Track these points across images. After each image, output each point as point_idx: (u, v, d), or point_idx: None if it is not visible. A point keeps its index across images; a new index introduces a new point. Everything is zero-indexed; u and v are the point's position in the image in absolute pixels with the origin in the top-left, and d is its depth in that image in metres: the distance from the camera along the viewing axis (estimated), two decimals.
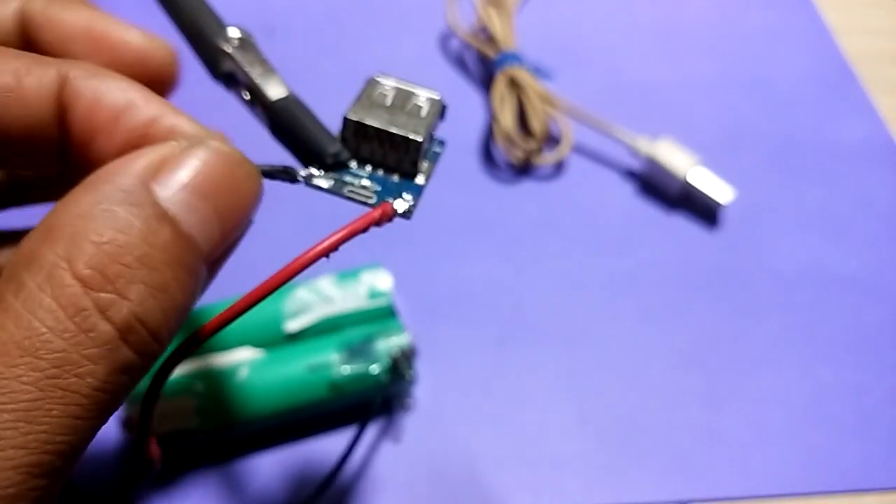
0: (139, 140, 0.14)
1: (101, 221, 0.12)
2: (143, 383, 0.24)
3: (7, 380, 0.11)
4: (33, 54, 0.14)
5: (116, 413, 0.24)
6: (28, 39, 0.15)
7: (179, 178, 0.13)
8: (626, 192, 0.35)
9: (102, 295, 0.12)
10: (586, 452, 0.27)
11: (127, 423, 0.24)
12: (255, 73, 0.16)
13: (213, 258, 0.14)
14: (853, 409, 0.28)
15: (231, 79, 0.17)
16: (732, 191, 0.33)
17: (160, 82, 0.16)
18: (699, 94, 0.39)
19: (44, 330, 0.11)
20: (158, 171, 0.13)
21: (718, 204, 0.33)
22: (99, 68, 0.14)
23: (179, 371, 0.24)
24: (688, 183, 0.33)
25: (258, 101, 0.16)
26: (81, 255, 0.12)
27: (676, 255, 0.33)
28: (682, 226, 0.34)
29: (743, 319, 0.31)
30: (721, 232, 0.34)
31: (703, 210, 0.34)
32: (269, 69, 0.17)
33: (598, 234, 0.33)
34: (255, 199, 0.14)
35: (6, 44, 0.15)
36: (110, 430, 0.25)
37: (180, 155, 0.13)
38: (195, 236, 0.13)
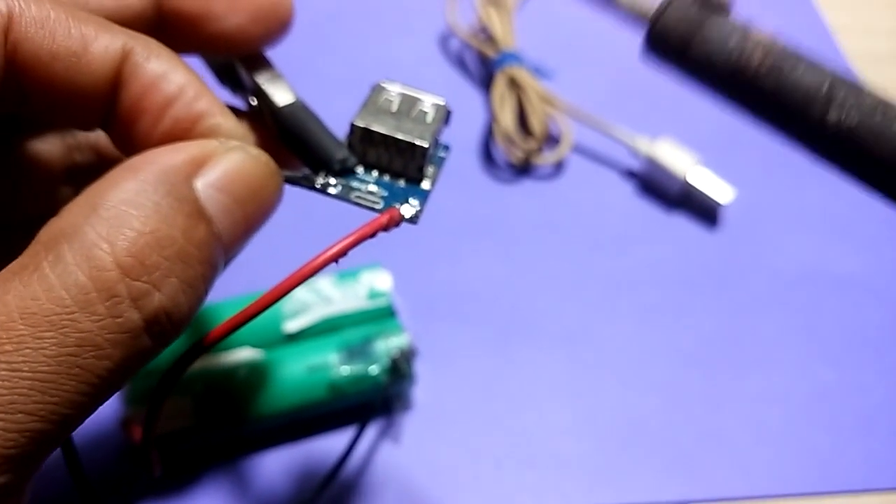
0: (183, 132, 0.14)
1: (145, 210, 0.12)
2: (145, 383, 0.24)
3: (31, 349, 0.11)
4: (102, 20, 0.14)
5: (116, 414, 0.24)
6: (165, 9, 0.16)
7: (217, 179, 0.13)
8: (626, 192, 0.35)
9: (137, 284, 0.12)
10: (586, 452, 0.27)
11: (126, 424, 0.24)
12: (263, 79, 0.16)
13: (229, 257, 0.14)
14: (853, 409, 0.28)
15: (238, 84, 0.18)
16: (733, 190, 0.33)
17: (283, 28, 0.16)
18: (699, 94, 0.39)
19: (74, 308, 0.11)
20: (199, 168, 0.13)
21: (718, 204, 0.33)
22: (162, 49, 0.14)
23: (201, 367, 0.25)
24: (688, 183, 0.33)
25: (265, 107, 0.17)
26: (123, 241, 0.12)
27: (676, 254, 0.33)
28: (682, 225, 0.34)
29: (743, 319, 0.31)
30: (721, 232, 0.34)
31: (702, 210, 0.34)
32: (276, 74, 0.17)
33: (598, 234, 0.33)
34: (276, 205, 0.15)
35: (142, 16, 0.15)
36: (111, 431, 0.25)
37: (220, 156, 0.14)
38: (224, 236, 0.13)
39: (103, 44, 0.14)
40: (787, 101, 0.13)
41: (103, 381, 0.12)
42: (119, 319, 0.12)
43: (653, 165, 0.34)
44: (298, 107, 0.16)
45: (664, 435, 0.27)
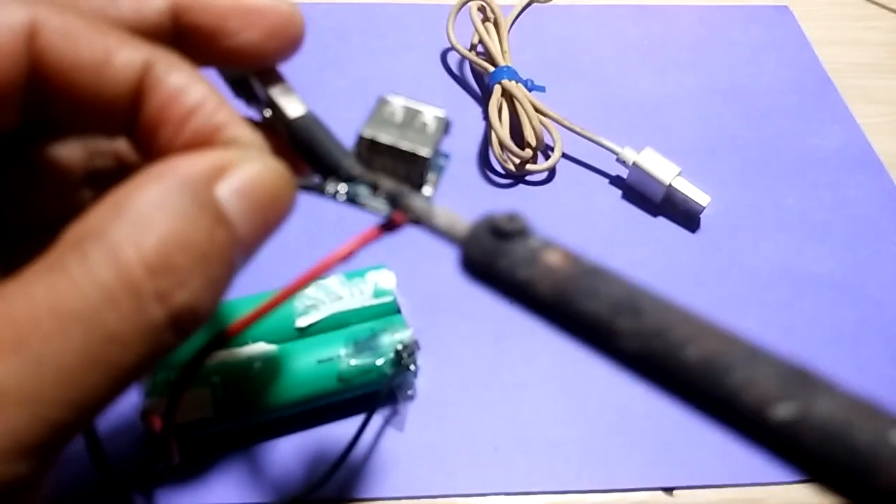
0: (204, 142, 0.14)
1: (169, 214, 0.12)
2: (164, 375, 0.25)
3: (57, 344, 0.11)
4: (124, 33, 0.14)
5: (136, 405, 0.25)
6: (181, 23, 0.16)
7: (238, 186, 0.14)
8: (613, 197, 0.36)
9: (162, 282, 0.12)
10: (577, 439, 0.28)
11: (145, 414, 0.24)
12: (276, 92, 0.17)
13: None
14: None
15: (252, 96, 0.18)
16: (709, 198, 0.34)
17: (295, 44, 0.16)
18: (684, 106, 0.40)
19: (100, 306, 0.12)
20: (220, 175, 0.13)
21: (699, 208, 0.34)
22: (182, 62, 0.14)
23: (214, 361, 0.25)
24: (670, 189, 0.34)
25: (278, 119, 0.17)
26: (148, 242, 0.12)
27: (659, 255, 0.34)
28: (664, 228, 0.35)
29: (722, 315, 0.30)
30: (701, 234, 0.35)
31: (684, 214, 0.35)
32: (288, 88, 0.17)
33: (587, 236, 0.34)
34: (291, 211, 0.15)
35: (158, 29, 0.15)
36: (130, 421, 0.26)
37: (240, 164, 0.14)
38: (242, 239, 0.14)
39: (125, 56, 0.14)
40: (577, 328, 0.13)
41: (125, 374, 0.12)
42: (143, 316, 0.12)
43: (638, 173, 0.35)
44: (309, 118, 0.17)
45: (650, 424, 0.28)
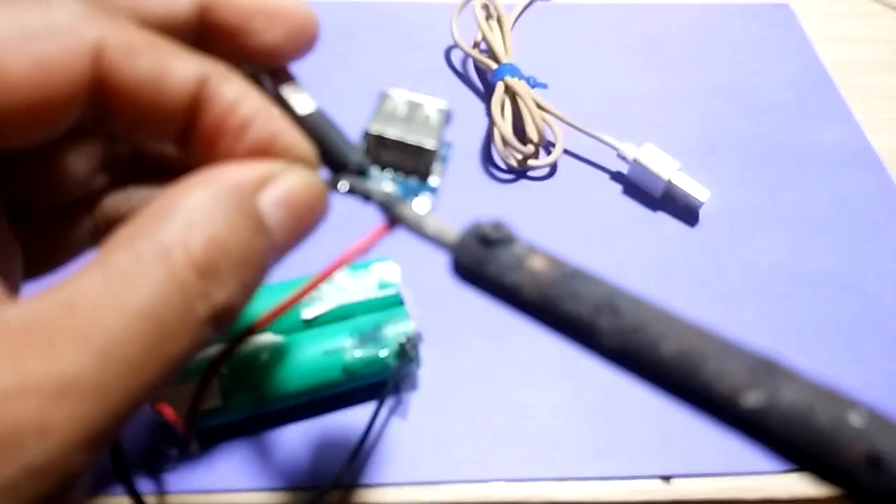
0: (263, 150, 0.15)
1: (216, 219, 0.13)
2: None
3: (125, 338, 0.12)
4: (177, 47, 0.14)
5: None
6: (206, 20, 0.16)
7: (279, 197, 0.14)
8: (614, 193, 0.36)
9: (208, 282, 0.13)
10: (576, 429, 0.28)
11: (155, 403, 0.25)
12: (286, 90, 0.17)
13: None
14: None
15: (262, 94, 0.18)
16: (708, 192, 0.34)
17: (311, 44, 0.17)
18: (684, 103, 0.40)
19: (155, 302, 0.12)
20: (263, 185, 0.14)
21: (698, 203, 0.34)
22: (233, 73, 0.15)
23: (205, 355, 0.25)
24: (670, 184, 0.34)
25: (289, 115, 0.17)
26: (197, 243, 0.13)
27: (659, 250, 0.34)
28: (664, 223, 0.35)
29: (721, 310, 0.32)
30: (700, 229, 0.35)
31: (683, 209, 0.35)
32: (297, 85, 0.18)
33: (588, 231, 0.34)
34: (322, 221, 0.16)
35: (185, 26, 0.16)
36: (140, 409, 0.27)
37: (282, 176, 0.15)
38: (277, 246, 0.15)
39: (181, 69, 0.14)
40: (562, 328, 0.14)
41: (174, 365, 0.13)
42: (191, 313, 0.13)
43: (638, 168, 0.35)
44: (318, 115, 0.17)
45: (648, 413, 0.28)
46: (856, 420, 0.11)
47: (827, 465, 0.11)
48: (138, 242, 0.13)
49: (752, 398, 0.12)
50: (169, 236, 0.13)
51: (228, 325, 0.14)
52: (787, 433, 0.11)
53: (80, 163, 0.17)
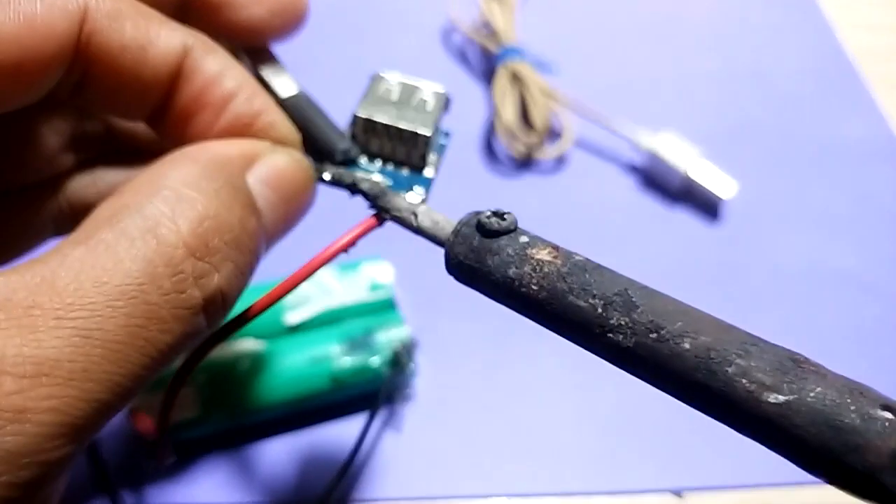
0: (244, 127, 0.15)
1: (206, 195, 0.13)
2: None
3: (102, 317, 0.11)
4: (162, 16, 0.14)
5: None
6: None
7: (266, 176, 0.14)
8: (628, 186, 0.35)
9: (201, 263, 0.12)
10: (582, 441, 0.27)
11: (132, 413, 0.24)
12: (267, 71, 0.17)
13: None
14: None
15: None
16: (736, 185, 0.33)
17: (298, 23, 0.17)
18: (700, 89, 0.40)
19: (143, 280, 0.12)
20: (250, 163, 0.14)
21: (720, 198, 0.33)
22: (217, 46, 0.15)
23: (181, 362, 0.25)
24: (689, 177, 0.33)
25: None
26: (188, 221, 0.12)
27: (677, 249, 0.33)
28: (683, 220, 0.34)
29: (742, 313, 0.30)
30: (722, 227, 0.34)
31: (704, 204, 0.34)
32: (279, 67, 0.17)
33: (599, 229, 0.34)
34: (309, 207, 0.15)
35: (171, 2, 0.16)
36: (117, 419, 0.25)
37: (268, 155, 0.14)
38: (268, 230, 0.14)
39: (165, 39, 0.14)
40: (569, 325, 0.13)
41: (162, 356, 0.12)
42: (183, 295, 0.12)
43: (654, 159, 0.34)
44: (302, 98, 0.17)
45: (660, 425, 0.28)
46: (887, 416, 0.11)
47: (852, 465, 0.11)
48: (124, 217, 0.12)
49: (777, 394, 0.12)
50: (155, 210, 0.12)
51: (221, 316, 0.13)
52: (813, 430, 0.11)
53: (49, 138, 0.17)
